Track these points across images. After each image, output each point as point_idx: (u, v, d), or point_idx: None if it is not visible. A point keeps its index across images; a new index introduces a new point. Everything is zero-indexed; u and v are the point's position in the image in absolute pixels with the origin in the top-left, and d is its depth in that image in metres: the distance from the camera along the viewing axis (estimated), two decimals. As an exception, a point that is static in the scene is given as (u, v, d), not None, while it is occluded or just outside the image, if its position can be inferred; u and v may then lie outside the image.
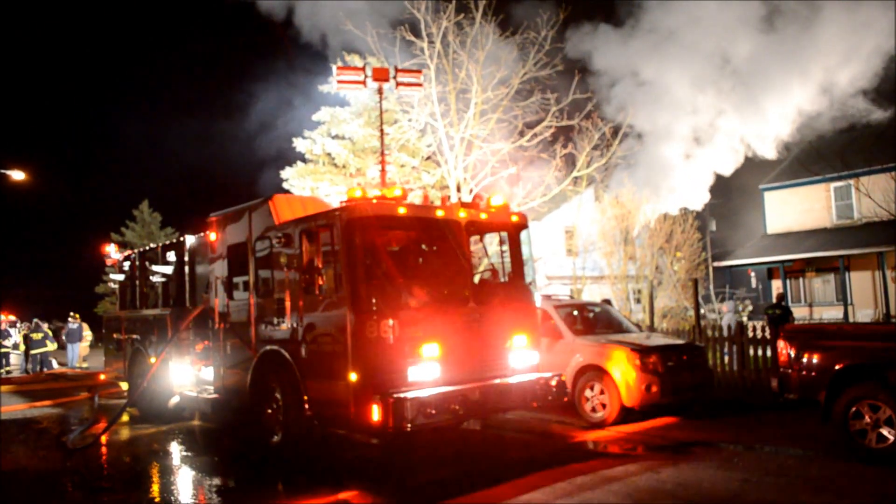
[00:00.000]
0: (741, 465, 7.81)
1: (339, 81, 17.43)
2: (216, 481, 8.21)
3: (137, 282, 13.67)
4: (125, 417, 11.84)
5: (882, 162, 20.43)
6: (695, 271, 22.81)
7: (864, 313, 25.81)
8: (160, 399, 11.34)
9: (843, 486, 7.04)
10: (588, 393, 10.57)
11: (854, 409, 7.80)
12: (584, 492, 6.83)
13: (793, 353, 8.49)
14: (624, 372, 10.17)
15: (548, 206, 21.10)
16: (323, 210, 8.76)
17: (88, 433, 10.87)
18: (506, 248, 9.56)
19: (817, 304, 27.52)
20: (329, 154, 24.67)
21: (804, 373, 8.34)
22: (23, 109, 72.73)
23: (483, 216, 9.05)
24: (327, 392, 8.04)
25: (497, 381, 8.41)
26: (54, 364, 24.13)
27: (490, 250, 10.49)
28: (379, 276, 8.00)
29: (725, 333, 13.31)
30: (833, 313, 26.15)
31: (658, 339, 11.65)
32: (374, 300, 7.68)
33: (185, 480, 8.26)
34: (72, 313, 25.41)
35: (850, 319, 24.97)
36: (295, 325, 8.52)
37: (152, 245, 13.69)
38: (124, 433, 11.16)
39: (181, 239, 12.25)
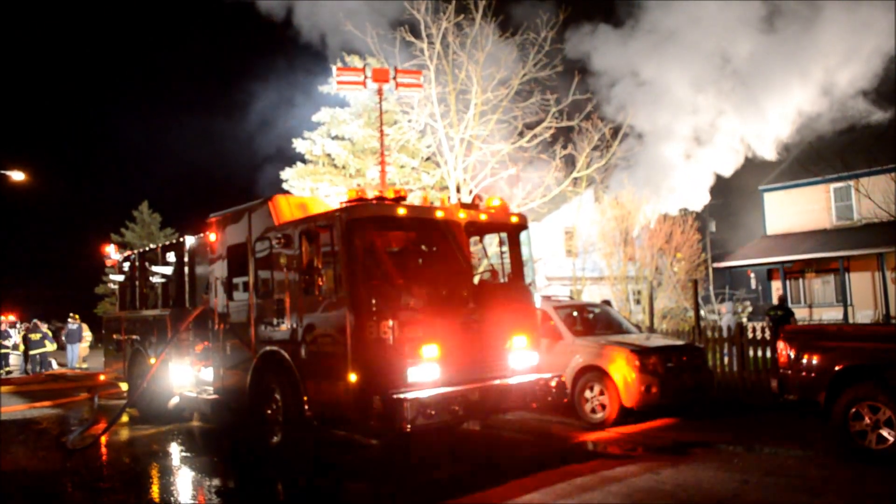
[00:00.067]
0: (741, 465, 7.81)
1: (339, 82, 17.45)
2: (216, 482, 8.20)
3: (137, 282, 13.67)
4: (125, 418, 11.84)
5: (882, 163, 20.42)
6: (694, 272, 22.81)
7: (863, 314, 25.80)
8: (160, 400, 11.34)
9: (843, 486, 7.04)
10: (588, 394, 10.57)
11: (854, 409, 7.80)
12: (584, 492, 6.83)
13: (793, 354, 8.49)
14: (623, 373, 10.17)
15: (547, 206, 21.09)
16: (323, 211, 8.77)
17: (88, 434, 10.87)
18: (505, 248, 9.56)
19: (817, 305, 27.51)
20: (329, 155, 24.68)
21: (804, 374, 8.34)
22: (23, 109, 72.77)
23: (483, 217, 9.05)
24: (327, 393, 8.04)
25: (497, 381, 8.41)
26: (54, 364, 24.12)
27: (490, 251, 10.49)
28: (379, 276, 8.00)
29: (724, 334, 13.31)
30: (833, 314, 26.15)
31: (658, 340, 11.65)
32: (373, 301, 7.68)
33: (184, 481, 8.26)
34: (71, 314, 25.41)
35: (850, 320, 24.96)
36: (295, 325, 8.52)
37: (152, 246, 13.69)
38: (124, 434, 11.16)
39: (181, 239, 12.25)
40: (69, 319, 24.95)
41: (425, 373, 7.81)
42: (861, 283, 26.44)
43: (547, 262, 23.06)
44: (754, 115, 21.99)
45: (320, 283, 8.13)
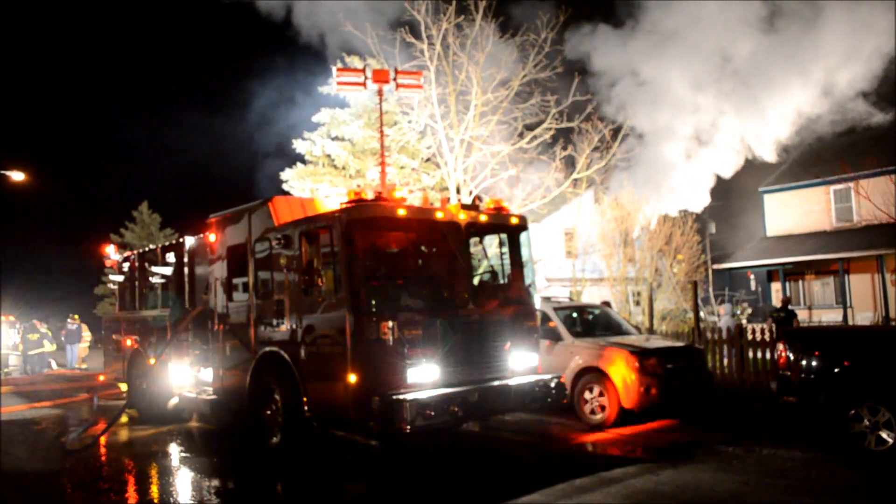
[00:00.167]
0: (740, 467, 7.81)
1: (339, 83, 17.45)
2: (215, 482, 8.20)
3: (137, 283, 13.67)
4: (124, 419, 11.84)
5: (882, 165, 20.47)
6: (694, 274, 22.82)
7: (863, 316, 25.81)
8: (159, 400, 11.33)
9: (843, 488, 7.04)
10: (587, 395, 10.57)
11: (853, 411, 7.80)
12: (584, 493, 6.83)
13: (792, 356, 8.49)
14: (623, 374, 10.17)
15: (547, 207, 21.09)
16: (322, 211, 8.77)
17: (87, 434, 10.88)
18: (505, 249, 9.57)
19: (817, 307, 27.53)
20: (329, 155, 24.70)
21: (803, 375, 8.35)
22: (23, 110, 72.80)
23: (483, 218, 9.06)
24: (326, 393, 8.04)
25: (496, 382, 8.41)
26: (53, 365, 24.12)
27: (490, 252, 10.49)
28: (378, 277, 8.01)
29: (723, 336, 13.33)
30: (832, 316, 26.16)
31: (657, 342, 11.65)
32: (373, 302, 7.69)
33: (183, 481, 8.25)
34: (71, 315, 25.42)
35: (850, 322, 24.98)
36: (294, 326, 8.53)
37: (152, 246, 13.68)
38: (123, 434, 11.16)
39: (181, 240, 12.25)
40: (69, 320, 24.95)
41: (425, 373, 7.82)
42: (861, 284, 26.46)
43: (547, 264, 23.06)
44: (754, 115, 22.01)
45: (320, 284, 8.13)
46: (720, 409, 11.33)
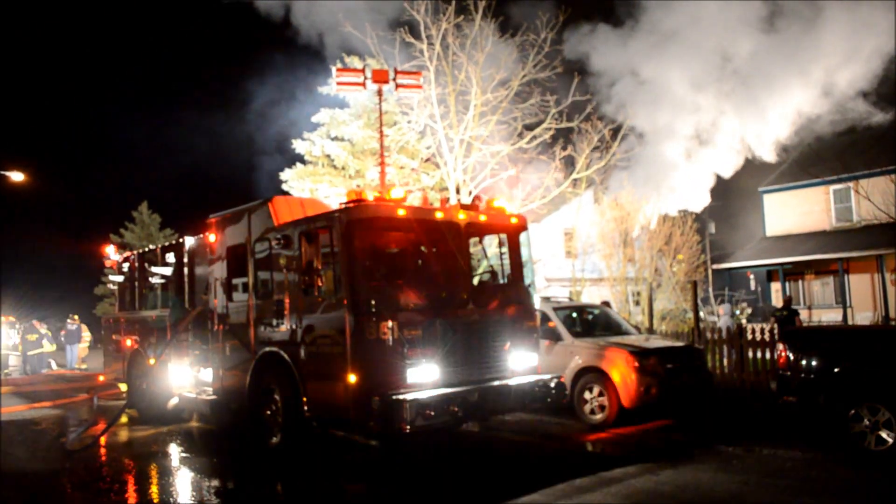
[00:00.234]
0: (740, 467, 7.81)
1: (339, 83, 17.45)
2: (215, 483, 8.20)
3: (136, 283, 13.67)
4: (124, 419, 11.84)
5: (882, 165, 20.48)
6: (694, 273, 22.82)
7: (863, 316, 25.82)
8: (159, 400, 11.33)
9: (842, 488, 7.05)
10: (587, 395, 10.58)
11: (853, 411, 7.80)
12: (583, 493, 6.84)
13: (792, 356, 8.50)
14: (623, 374, 10.17)
15: (547, 208, 21.09)
16: (322, 211, 8.77)
17: (87, 434, 10.87)
18: (505, 249, 9.57)
19: (816, 307, 27.54)
20: (328, 156, 24.69)
21: (803, 375, 8.35)
22: (23, 109, 72.77)
23: (482, 218, 9.06)
24: (326, 393, 8.04)
25: (496, 382, 8.41)
26: (53, 365, 24.13)
27: (489, 252, 10.49)
28: (378, 277, 8.01)
29: (718, 336, 13.36)
30: (832, 316, 26.17)
31: (657, 342, 11.66)
32: (373, 302, 7.69)
33: (183, 482, 8.25)
34: (71, 315, 25.42)
35: (849, 322, 24.99)
36: (294, 326, 8.52)
37: (151, 246, 13.68)
38: (123, 434, 11.15)
39: (180, 240, 12.25)
40: (68, 320, 24.95)
41: (424, 374, 7.82)
42: (860, 284, 26.46)
43: (546, 264, 23.07)
44: (754, 115, 22.02)
45: (320, 284, 8.13)
46: (720, 409, 11.33)
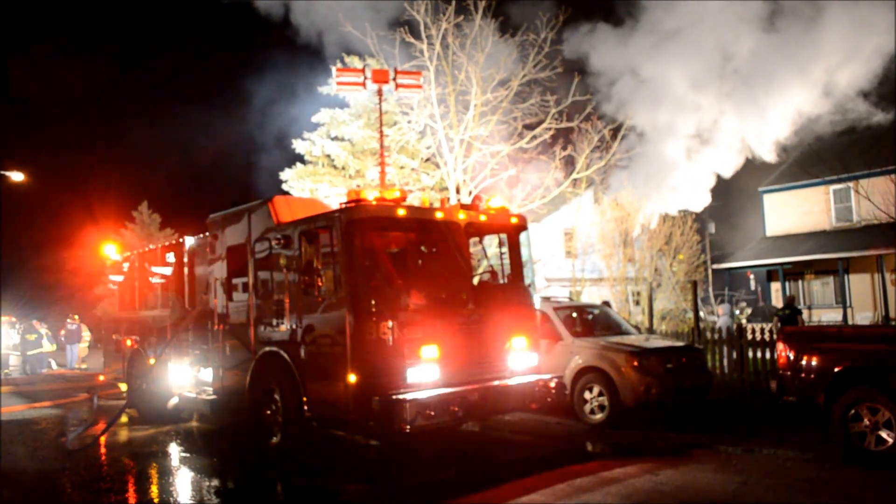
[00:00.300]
0: (740, 467, 7.81)
1: (339, 83, 17.44)
2: (215, 482, 8.20)
3: (137, 283, 13.67)
4: (124, 418, 11.84)
5: (882, 164, 20.47)
6: (694, 273, 22.82)
7: (863, 316, 25.82)
8: (159, 400, 11.33)
9: (842, 488, 7.05)
10: (587, 395, 10.58)
11: (853, 411, 7.80)
12: (583, 494, 6.84)
13: (792, 356, 8.49)
14: (623, 374, 10.17)
15: (547, 208, 21.07)
16: (322, 211, 8.77)
17: (87, 434, 10.87)
18: (505, 249, 9.57)
19: (816, 307, 27.54)
20: (328, 155, 24.67)
21: (803, 375, 8.35)
22: (22, 109, 72.71)
23: (482, 218, 9.06)
24: (326, 393, 8.04)
25: (496, 382, 8.41)
26: (53, 365, 24.13)
27: (489, 252, 10.49)
28: (378, 277, 8.01)
29: (717, 336, 13.36)
30: (832, 316, 26.17)
31: (657, 342, 11.66)
32: (373, 302, 7.69)
33: (183, 481, 8.26)
34: (71, 314, 25.42)
35: (849, 322, 24.99)
36: (294, 326, 8.53)
37: (152, 246, 13.68)
38: (123, 434, 11.16)
39: (180, 240, 12.25)
40: (68, 320, 24.96)
41: (425, 374, 7.82)
42: (860, 284, 26.47)
43: (546, 264, 23.06)
44: (755, 115, 21.99)
45: (320, 284, 8.13)
46: (720, 409, 11.34)
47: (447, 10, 18.87)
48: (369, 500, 7.36)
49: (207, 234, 10.77)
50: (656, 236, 21.92)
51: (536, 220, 21.23)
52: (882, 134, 24.46)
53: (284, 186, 24.82)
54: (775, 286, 29.12)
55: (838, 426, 7.90)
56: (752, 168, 25.67)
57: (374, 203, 8.09)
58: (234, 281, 10.10)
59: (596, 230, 22.58)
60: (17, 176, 24.13)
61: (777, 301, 28.38)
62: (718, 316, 18.64)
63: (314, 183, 24.31)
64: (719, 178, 23.73)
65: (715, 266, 30.62)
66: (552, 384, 8.81)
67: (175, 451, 9.85)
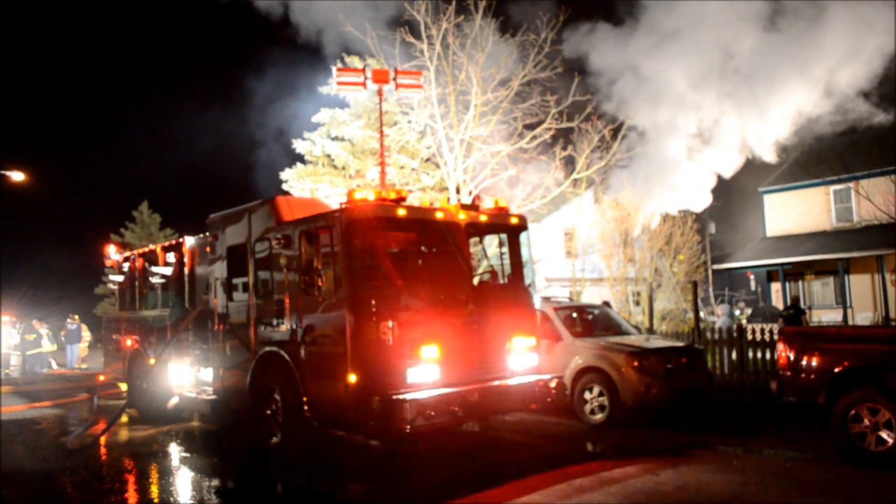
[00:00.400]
0: (740, 467, 7.81)
1: (339, 83, 17.44)
2: (215, 482, 8.20)
3: (137, 283, 13.67)
4: (124, 418, 11.84)
5: (882, 165, 20.46)
6: (694, 274, 22.82)
7: (863, 316, 25.82)
8: (159, 400, 11.33)
9: (843, 488, 7.05)
10: (587, 395, 10.58)
11: (853, 411, 7.80)
12: (583, 494, 6.84)
13: (792, 356, 8.49)
14: (623, 374, 10.17)
15: (547, 208, 21.08)
16: (322, 211, 8.77)
17: (88, 434, 10.87)
18: (505, 249, 9.57)
19: (816, 307, 27.55)
20: (329, 155, 24.68)
21: (803, 375, 8.35)
22: (22, 109, 72.76)
23: (482, 218, 9.06)
24: (326, 393, 8.04)
25: (496, 382, 8.41)
26: (53, 365, 24.13)
27: (489, 252, 10.49)
28: (378, 277, 8.00)
29: (717, 336, 13.37)
30: (832, 316, 26.18)
31: (657, 342, 11.66)
32: (373, 302, 7.69)
33: (184, 481, 8.25)
34: (71, 314, 25.42)
35: (850, 322, 24.99)
36: (294, 326, 8.53)
37: (152, 246, 13.69)
38: (123, 434, 11.16)
39: (181, 240, 12.25)
40: (68, 320, 24.96)
41: (425, 374, 7.82)
42: (861, 284, 26.47)
43: (546, 264, 23.06)
44: (755, 114, 22.00)
45: (320, 284, 8.14)
46: (720, 409, 11.34)
47: (447, 9, 18.90)
48: (369, 500, 7.36)
49: (208, 233, 10.77)
50: (656, 236, 21.92)
51: (536, 220, 21.25)
52: (882, 134, 24.48)
53: (284, 186, 24.83)
54: (775, 286, 29.12)
55: (838, 426, 7.90)
56: (753, 168, 25.71)
57: (374, 203, 8.10)
58: (235, 281, 10.10)
59: (596, 230, 22.58)
60: (17, 176, 24.16)
61: (777, 301, 28.38)
62: (718, 316, 18.65)
63: (314, 183, 24.31)
64: (719, 178, 23.77)
65: (715, 266, 30.62)
66: (552, 384, 8.81)
67: (175, 451, 9.85)
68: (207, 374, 10.52)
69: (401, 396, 7.38)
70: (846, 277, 25.89)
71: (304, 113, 25.09)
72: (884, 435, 7.59)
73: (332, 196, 22.49)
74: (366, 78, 16.80)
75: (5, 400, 15.38)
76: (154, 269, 12.55)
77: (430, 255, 9.18)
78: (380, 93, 17.10)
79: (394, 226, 8.47)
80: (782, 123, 21.76)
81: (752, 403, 11.72)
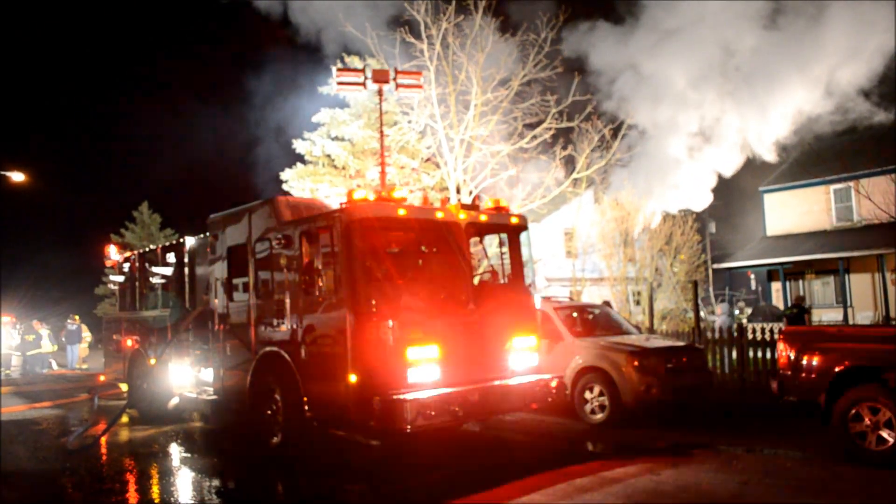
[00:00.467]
0: (740, 467, 7.81)
1: (339, 83, 17.43)
2: (216, 483, 8.20)
3: (137, 283, 13.67)
4: (125, 419, 11.83)
5: (882, 164, 20.45)
6: (694, 273, 22.83)
7: (863, 315, 25.82)
8: (160, 400, 11.34)
9: (843, 488, 7.04)
10: (587, 394, 10.57)
11: (854, 411, 7.79)
12: (584, 493, 6.83)
13: (792, 355, 8.49)
14: (623, 374, 10.17)
15: (547, 207, 21.08)
16: (323, 211, 8.77)
17: (88, 434, 10.87)
18: (505, 249, 9.57)
19: (817, 307, 27.53)
20: (329, 155, 24.68)
21: (804, 375, 8.34)
22: (22, 109, 72.77)
23: (483, 218, 9.06)
24: (327, 393, 8.04)
25: (497, 382, 8.41)
26: (54, 365, 24.14)
27: (490, 252, 10.49)
28: (378, 277, 8.01)
29: (717, 336, 13.37)
30: (833, 315, 26.17)
31: (657, 341, 11.66)
32: (373, 301, 7.69)
33: (184, 482, 8.26)
34: (71, 315, 25.42)
35: (850, 321, 24.98)
36: (294, 326, 8.53)
37: (152, 246, 13.69)
38: (124, 434, 11.15)
39: (181, 240, 12.26)
40: (69, 320, 24.96)
41: (425, 374, 7.82)
42: (861, 284, 26.46)
43: (547, 263, 23.06)
44: (756, 113, 22.01)
45: (320, 284, 8.14)
46: (720, 409, 11.33)
47: (447, 9, 18.90)
48: (369, 500, 7.36)
49: (208, 234, 10.77)
50: (657, 236, 21.92)
51: (537, 219, 21.24)
52: (883, 133, 24.47)
53: (285, 186, 24.83)
54: (776, 286, 29.12)
55: (839, 426, 7.90)
56: (753, 168, 25.72)
57: (375, 203, 8.10)
58: (235, 281, 10.10)
59: (596, 230, 22.58)
60: (17, 176, 24.16)
61: (777, 301, 28.39)
62: (717, 315, 18.65)
63: (314, 183, 24.31)
64: (720, 177, 23.78)
65: (715, 266, 30.62)
66: (553, 384, 8.81)
67: (176, 451, 9.85)
68: (208, 374, 10.52)
69: (401, 396, 7.38)
70: (846, 277, 25.89)
71: (304, 113, 25.11)
72: (884, 434, 7.58)
73: (332, 196, 22.48)
74: (366, 78, 16.79)
75: (6, 400, 15.39)
76: (154, 269, 12.55)
77: (430, 255, 9.18)
78: (380, 93, 17.10)
79: (394, 226, 8.47)
80: (782, 122, 21.78)
81: (752, 403, 11.71)
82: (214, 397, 10.21)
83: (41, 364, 23.56)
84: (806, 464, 7.88)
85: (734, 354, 12.79)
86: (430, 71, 19.18)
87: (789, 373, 8.50)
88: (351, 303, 7.70)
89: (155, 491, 7.82)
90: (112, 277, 14.92)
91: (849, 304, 25.86)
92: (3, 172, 23.91)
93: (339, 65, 21.76)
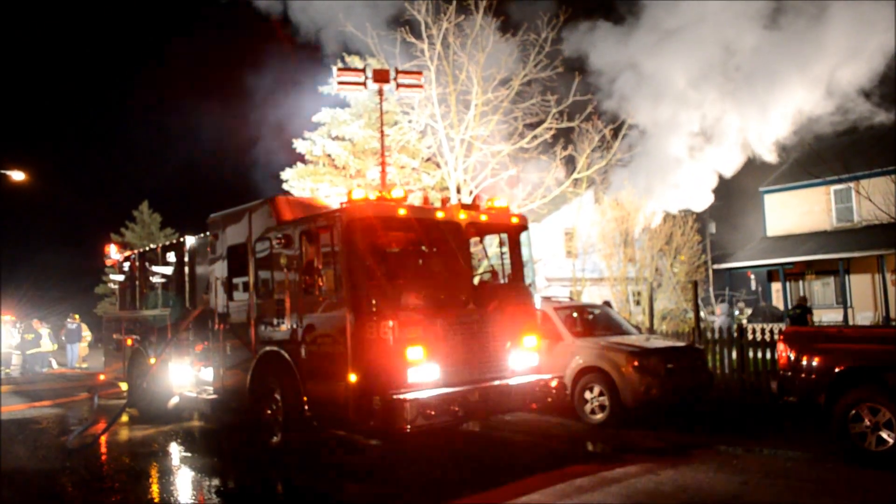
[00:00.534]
0: (740, 467, 7.81)
1: (340, 83, 17.43)
2: (216, 482, 8.20)
3: (137, 282, 13.67)
4: (125, 418, 11.84)
5: (883, 164, 20.46)
6: (694, 273, 22.82)
7: (863, 316, 25.81)
8: (160, 400, 11.33)
9: (843, 488, 7.04)
10: (587, 395, 10.57)
11: (854, 411, 7.79)
12: (584, 493, 6.84)
13: (793, 356, 8.49)
14: (623, 374, 10.17)
15: (547, 207, 21.09)
16: (323, 211, 8.77)
17: (88, 433, 10.87)
18: (505, 249, 9.57)
19: (817, 307, 27.47)
20: (329, 155, 24.68)
21: (804, 375, 8.34)
22: (23, 109, 72.76)
23: (483, 218, 9.06)
24: (327, 393, 8.04)
25: (496, 382, 8.41)
26: (54, 364, 24.14)
27: (490, 252, 10.49)
28: (379, 277, 8.00)
29: (717, 336, 13.36)
30: (833, 316, 26.16)
31: (657, 342, 11.65)
32: (373, 301, 7.69)
33: (184, 481, 8.26)
34: (71, 314, 25.43)
35: (850, 322, 24.98)
36: (295, 325, 8.53)
37: (152, 245, 13.69)
38: (124, 434, 11.16)
39: (181, 239, 12.25)
40: (69, 319, 24.96)
41: (425, 373, 7.82)
42: (861, 284, 26.46)
43: (547, 263, 23.06)
44: (756, 113, 22.00)
45: (320, 284, 8.14)
46: (720, 409, 11.33)
47: (448, 9, 18.91)
48: (369, 500, 7.35)
49: (208, 233, 10.77)
50: (657, 236, 21.92)
51: (537, 219, 21.24)
52: (883, 134, 24.47)
53: (285, 186, 24.83)
54: (776, 286, 29.11)
55: (839, 426, 7.90)
56: (753, 168, 25.69)
57: (375, 203, 8.10)
58: (235, 280, 10.10)
59: (596, 230, 22.58)
60: (17, 176, 24.17)
61: (778, 301, 28.38)
62: (717, 316, 18.64)
63: (315, 182, 24.31)
64: (720, 177, 23.76)
65: (715, 266, 30.61)
66: (553, 384, 8.81)
67: (176, 450, 9.85)
68: (208, 373, 10.52)
69: (401, 396, 7.38)
70: (847, 277, 25.88)
71: (304, 112, 25.10)
72: (884, 435, 7.58)
73: (332, 196, 22.47)
74: (366, 78, 16.80)
75: (6, 399, 15.39)
76: (154, 268, 12.55)
77: (430, 255, 9.18)
78: (380, 93, 17.10)
79: (394, 225, 8.47)
80: (783, 122, 21.76)
81: (752, 403, 11.71)
82: (214, 396, 10.21)
83: (41, 363, 23.56)
84: (806, 464, 7.88)
85: (734, 355, 12.76)
86: (430, 71, 19.18)
87: (789, 373, 8.51)
88: (351, 302, 7.70)
89: (155, 490, 7.82)
90: (112, 277, 14.92)
91: (849, 304, 25.85)
92: (3, 172, 23.92)
93: (340, 64, 21.78)
